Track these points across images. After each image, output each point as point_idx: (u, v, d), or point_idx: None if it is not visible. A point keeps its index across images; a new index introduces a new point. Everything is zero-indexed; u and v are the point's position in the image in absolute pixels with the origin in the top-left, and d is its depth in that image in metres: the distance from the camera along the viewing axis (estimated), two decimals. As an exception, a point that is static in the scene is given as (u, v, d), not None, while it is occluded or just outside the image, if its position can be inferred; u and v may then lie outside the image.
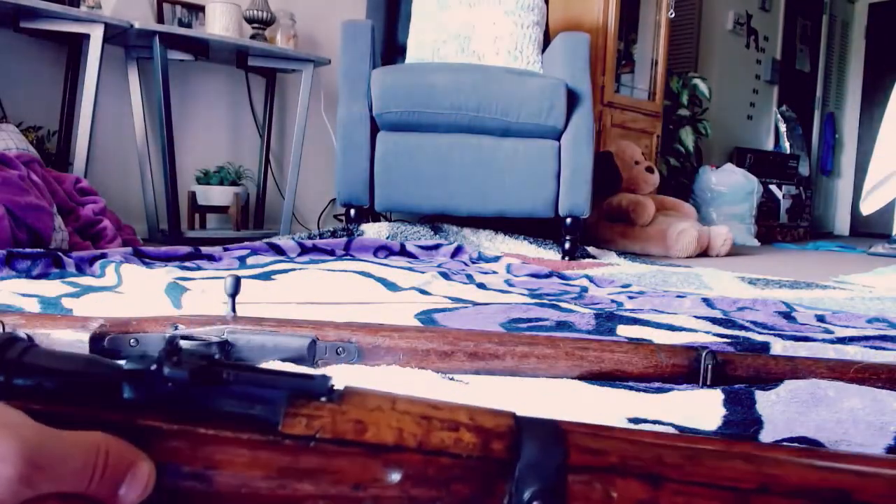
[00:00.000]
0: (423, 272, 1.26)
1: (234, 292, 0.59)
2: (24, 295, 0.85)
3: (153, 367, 0.23)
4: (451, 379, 0.56)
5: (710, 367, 0.56)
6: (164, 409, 0.23)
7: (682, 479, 0.25)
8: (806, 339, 0.76)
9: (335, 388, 0.25)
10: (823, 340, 0.75)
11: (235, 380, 0.24)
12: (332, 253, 1.57)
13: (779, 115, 4.89)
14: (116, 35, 2.05)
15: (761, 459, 0.25)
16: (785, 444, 0.44)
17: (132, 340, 0.56)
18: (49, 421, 0.21)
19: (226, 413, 0.24)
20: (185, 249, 1.36)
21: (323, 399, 0.24)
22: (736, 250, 2.90)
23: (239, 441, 0.23)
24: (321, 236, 1.84)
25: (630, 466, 0.25)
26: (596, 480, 0.24)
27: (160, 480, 0.23)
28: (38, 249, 1.12)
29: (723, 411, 0.50)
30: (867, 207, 1.88)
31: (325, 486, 0.23)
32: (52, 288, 0.91)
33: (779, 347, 0.69)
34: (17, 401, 0.22)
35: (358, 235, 1.88)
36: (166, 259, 1.31)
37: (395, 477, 0.23)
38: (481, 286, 1.17)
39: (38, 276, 1.03)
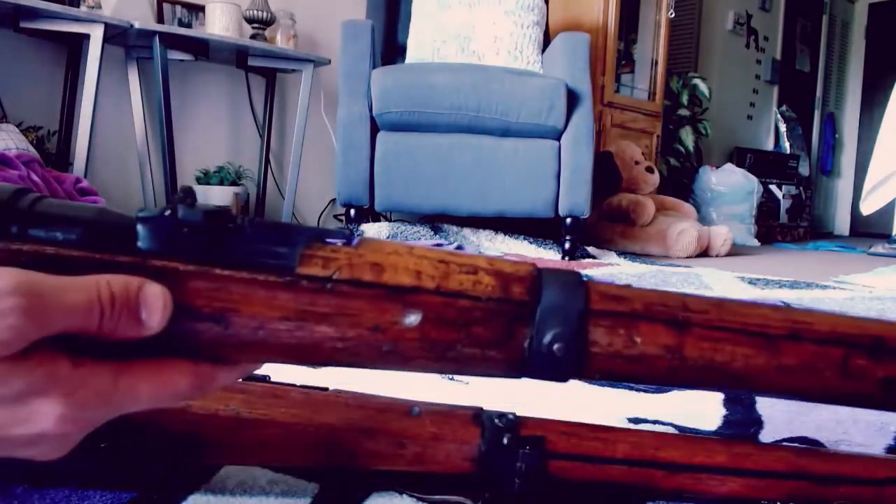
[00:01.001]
0: (423, 272, 1.25)
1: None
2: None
3: (167, 212, 0.23)
4: (451, 379, 0.56)
5: (710, 367, 0.56)
6: (178, 254, 0.23)
7: (709, 325, 0.24)
8: (806, 339, 0.76)
9: (352, 236, 0.25)
10: (823, 340, 0.75)
11: (250, 224, 0.23)
12: (332, 253, 1.57)
13: (779, 115, 4.89)
14: (116, 35, 2.05)
15: (791, 310, 0.25)
16: (785, 443, 0.44)
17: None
18: (60, 267, 0.21)
19: (242, 257, 0.23)
20: (185, 249, 1.36)
21: (339, 243, 0.24)
22: (736, 250, 2.90)
23: (256, 282, 0.22)
24: (321, 236, 1.84)
25: (655, 312, 0.24)
26: (619, 325, 0.24)
27: (177, 324, 0.22)
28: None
29: (723, 411, 0.50)
30: (867, 207, 1.88)
31: (343, 328, 0.22)
32: (52, 288, 0.90)
33: (779, 347, 0.69)
34: (29, 245, 0.22)
35: (358, 235, 1.88)
36: (166, 259, 1.30)
37: (414, 319, 0.23)
38: (481, 286, 1.17)
39: (38, 276, 1.03)
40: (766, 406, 0.50)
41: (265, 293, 0.22)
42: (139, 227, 0.23)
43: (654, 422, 0.48)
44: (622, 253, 2.38)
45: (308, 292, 0.22)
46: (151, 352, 0.22)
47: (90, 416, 0.21)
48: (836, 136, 5.61)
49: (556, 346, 0.23)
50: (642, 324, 0.24)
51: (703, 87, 3.63)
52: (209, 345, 0.22)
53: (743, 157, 4.26)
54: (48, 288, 0.20)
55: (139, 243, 0.22)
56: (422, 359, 0.23)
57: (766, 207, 4.09)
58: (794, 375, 0.24)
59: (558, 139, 2.03)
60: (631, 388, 0.56)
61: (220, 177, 2.39)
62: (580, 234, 2.11)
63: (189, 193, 0.23)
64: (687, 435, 0.41)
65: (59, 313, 0.20)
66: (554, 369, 0.23)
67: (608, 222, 2.74)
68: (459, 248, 1.74)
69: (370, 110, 1.97)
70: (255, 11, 2.34)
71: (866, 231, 5.14)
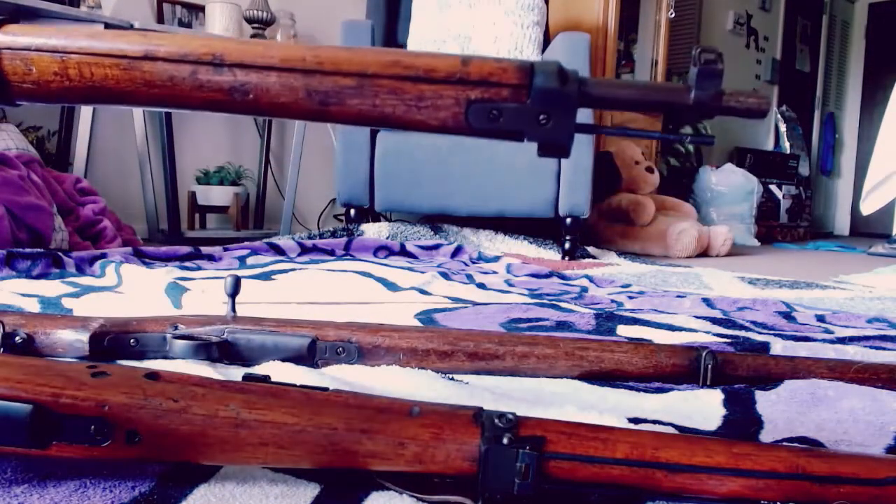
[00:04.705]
0: (423, 272, 1.26)
1: (234, 292, 0.59)
2: (24, 295, 0.85)
3: None
4: (451, 379, 0.56)
5: (710, 367, 0.56)
6: None
7: None
8: (806, 339, 0.76)
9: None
10: (823, 340, 0.75)
11: None
12: (332, 253, 1.57)
13: (779, 115, 4.88)
14: (116, 35, 2.05)
15: None
16: (785, 443, 0.44)
17: (132, 340, 0.56)
18: None
19: None
20: (185, 249, 1.36)
21: None
22: (736, 250, 2.90)
23: None
24: (321, 236, 1.84)
25: None
26: None
27: None
28: (38, 249, 1.12)
29: (723, 411, 0.50)
30: (867, 207, 1.88)
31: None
32: (52, 288, 0.91)
33: (779, 347, 0.69)
34: None
35: (358, 235, 1.88)
36: (166, 259, 1.31)
37: None
38: (481, 286, 1.17)
39: (38, 276, 1.03)
40: (766, 406, 0.50)
41: None
42: None
43: (654, 422, 0.48)
44: (622, 253, 2.38)
45: None
46: None
47: None
48: (836, 136, 5.61)
49: None
50: None
51: (703, 87, 3.62)
52: None
53: (743, 157, 4.26)
54: None
55: None
56: None
57: (766, 207, 4.09)
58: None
59: (558, 139, 2.02)
60: (631, 388, 0.56)
61: (220, 177, 2.39)
62: (580, 234, 2.11)
63: None
64: (687, 435, 0.41)
65: None
66: None
67: (608, 222, 2.74)
68: (459, 248, 1.74)
69: (370, 110, 1.96)
70: (255, 11, 2.34)
71: (866, 231, 5.14)
